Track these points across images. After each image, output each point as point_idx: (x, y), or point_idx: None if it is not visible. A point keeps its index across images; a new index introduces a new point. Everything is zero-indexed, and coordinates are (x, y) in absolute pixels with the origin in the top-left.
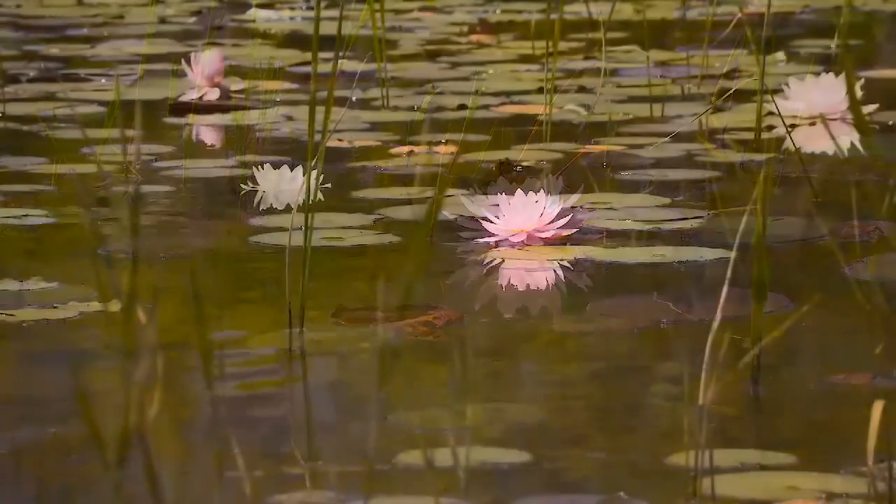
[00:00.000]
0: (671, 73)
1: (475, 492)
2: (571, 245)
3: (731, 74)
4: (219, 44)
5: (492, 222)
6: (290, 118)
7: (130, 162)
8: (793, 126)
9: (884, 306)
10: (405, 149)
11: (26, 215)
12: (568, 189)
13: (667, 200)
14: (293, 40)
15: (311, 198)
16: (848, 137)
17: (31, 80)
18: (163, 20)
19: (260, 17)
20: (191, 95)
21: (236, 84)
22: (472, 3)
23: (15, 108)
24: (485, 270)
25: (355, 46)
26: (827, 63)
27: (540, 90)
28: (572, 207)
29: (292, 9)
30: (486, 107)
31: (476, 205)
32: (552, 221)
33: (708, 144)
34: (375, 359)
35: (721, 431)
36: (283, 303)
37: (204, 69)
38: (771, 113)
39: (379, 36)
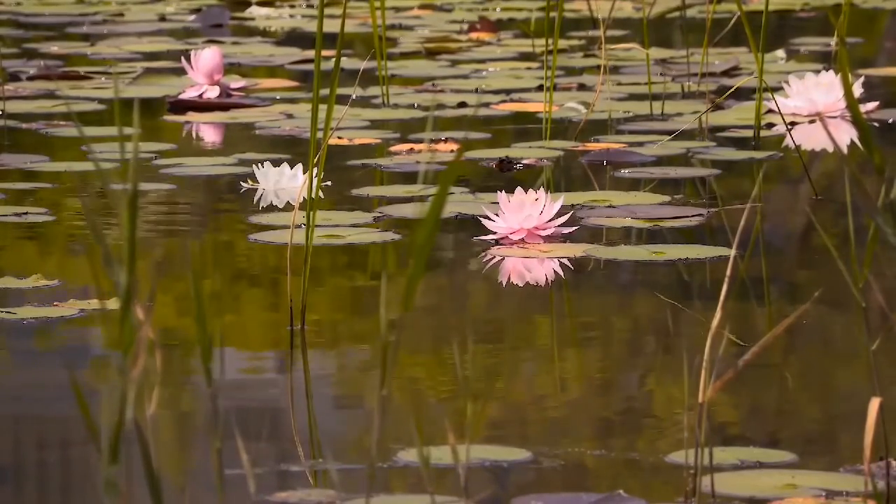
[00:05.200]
0: (671, 71)
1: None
2: (571, 243)
3: (730, 72)
4: (218, 41)
5: (492, 220)
6: (289, 116)
7: (129, 160)
8: (793, 124)
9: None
10: (405, 146)
11: (26, 213)
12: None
13: (666, 198)
14: (293, 38)
15: (312, 196)
16: (847, 135)
17: (31, 78)
18: (163, 18)
19: (259, 14)
20: (190, 93)
21: (236, 82)
22: (472, 1)
23: (15, 106)
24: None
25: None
26: (827, 61)
27: (540, 88)
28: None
29: (292, 6)
30: (486, 104)
31: (477, 203)
32: (551, 220)
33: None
34: (375, 355)
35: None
36: (283, 300)
37: (204, 67)
38: (771, 111)
39: (379, 33)
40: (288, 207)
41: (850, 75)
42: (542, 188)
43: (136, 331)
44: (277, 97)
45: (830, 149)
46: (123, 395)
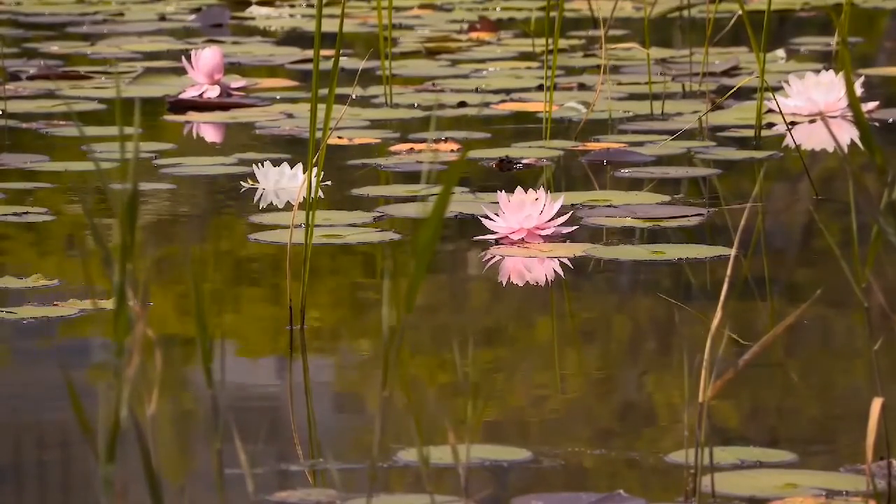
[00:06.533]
0: (671, 71)
1: None
2: (571, 242)
3: (731, 72)
4: (218, 41)
5: (492, 220)
6: (290, 116)
7: (129, 160)
8: (793, 124)
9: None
10: (405, 146)
11: (26, 213)
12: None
13: (667, 198)
14: (293, 38)
15: (312, 195)
16: (848, 135)
17: (31, 78)
18: (163, 17)
19: (260, 14)
20: (191, 93)
21: (236, 81)
22: (472, 1)
23: (15, 106)
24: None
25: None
26: (827, 60)
27: (540, 87)
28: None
29: (292, 6)
30: (486, 104)
31: (477, 203)
32: (552, 219)
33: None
34: (375, 355)
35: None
36: (283, 300)
37: (204, 67)
38: (771, 111)
39: (384, 34)
40: (288, 207)
41: (851, 75)
42: (542, 188)
43: (130, 329)
44: (277, 97)
45: (831, 148)
46: (118, 394)
